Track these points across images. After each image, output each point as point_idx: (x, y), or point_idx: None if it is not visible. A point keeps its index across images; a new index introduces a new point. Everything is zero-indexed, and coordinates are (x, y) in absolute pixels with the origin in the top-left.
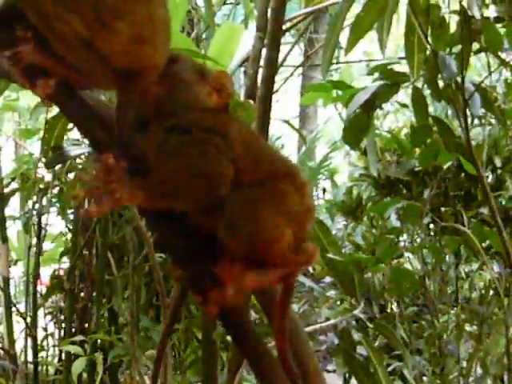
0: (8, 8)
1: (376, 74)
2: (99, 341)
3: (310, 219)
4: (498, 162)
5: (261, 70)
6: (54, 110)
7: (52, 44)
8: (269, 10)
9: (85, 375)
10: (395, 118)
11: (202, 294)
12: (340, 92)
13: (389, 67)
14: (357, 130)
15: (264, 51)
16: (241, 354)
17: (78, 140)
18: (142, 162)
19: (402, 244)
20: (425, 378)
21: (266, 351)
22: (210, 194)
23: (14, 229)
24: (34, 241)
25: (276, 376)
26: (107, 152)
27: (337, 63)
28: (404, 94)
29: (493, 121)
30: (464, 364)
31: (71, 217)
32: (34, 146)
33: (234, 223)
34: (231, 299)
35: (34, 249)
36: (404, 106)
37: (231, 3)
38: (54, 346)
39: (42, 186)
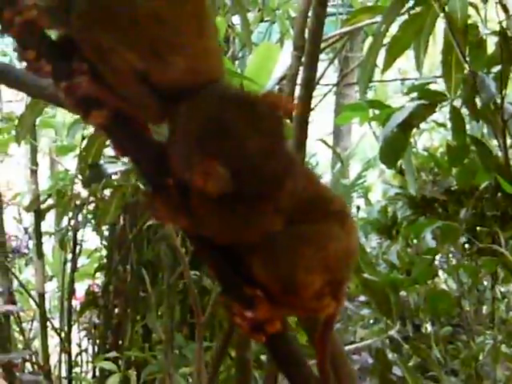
0: (64, 40)
1: (413, 94)
2: (133, 357)
3: (350, 263)
4: None
5: (297, 89)
6: (91, 128)
7: (105, 76)
8: (306, 30)
9: None
10: (429, 136)
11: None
12: (376, 111)
13: (425, 87)
14: (394, 150)
15: (301, 70)
16: (286, 377)
17: (114, 157)
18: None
19: (436, 263)
20: None
21: (309, 373)
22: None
23: (49, 244)
24: (69, 256)
25: None
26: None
27: (371, 82)
28: (438, 112)
29: None
30: None
31: (106, 233)
32: (70, 163)
33: (269, 262)
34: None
35: (68, 264)
36: (441, 125)
37: (267, 21)
38: (87, 361)
39: (77, 203)
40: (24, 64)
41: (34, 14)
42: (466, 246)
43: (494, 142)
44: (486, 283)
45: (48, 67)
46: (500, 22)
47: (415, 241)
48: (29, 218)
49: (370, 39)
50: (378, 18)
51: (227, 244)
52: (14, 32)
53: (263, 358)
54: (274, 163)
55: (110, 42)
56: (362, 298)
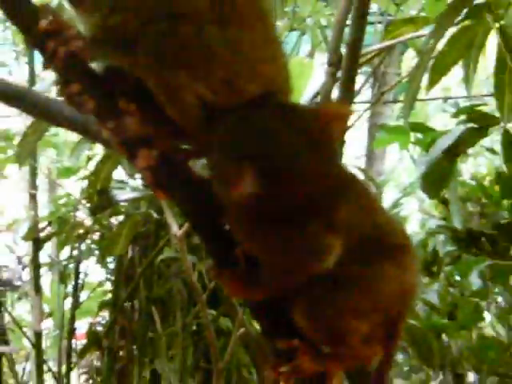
0: (108, 74)
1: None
2: None
3: (407, 301)
4: None
5: None
6: (98, 148)
7: (167, 109)
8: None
9: None
10: (474, 162)
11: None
12: (418, 134)
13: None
14: (438, 178)
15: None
16: None
17: (123, 181)
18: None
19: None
20: None
21: None
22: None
23: (47, 277)
24: (70, 291)
25: None
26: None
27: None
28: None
29: None
30: None
31: (112, 266)
32: (72, 186)
33: (312, 308)
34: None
35: (69, 300)
36: (492, 151)
37: (294, 30)
38: None
39: (81, 231)
40: (64, 98)
41: (79, 45)
42: None
43: None
44: None
45: (91, 103)
46: None
47: (459, 278)
48: (22, 247)
49: (410, 52)
50: (423, 31)
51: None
52: (57, 64)
53: None
54: (319, 175)
55: (182, 79)
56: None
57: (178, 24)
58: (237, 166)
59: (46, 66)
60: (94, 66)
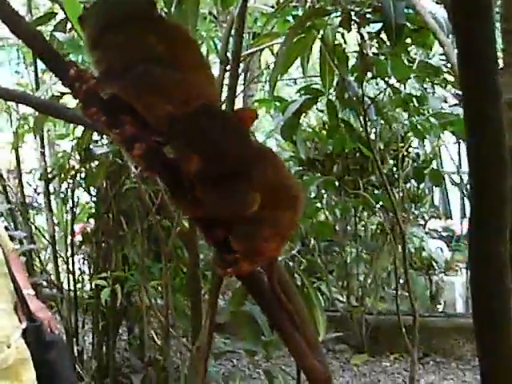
0: (111, 98)
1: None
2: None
3: (294, 226)
4: (381, 145)
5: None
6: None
7: (148, 119)
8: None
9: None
10: (309, 116)
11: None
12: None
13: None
14: (290, 128)
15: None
16: (255, 300)
17: (96, 141)
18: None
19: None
20: (335, 290)
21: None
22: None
23: (54, 201)
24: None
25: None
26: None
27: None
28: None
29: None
30: (361, 279)
31: (93, 192)
32: (63, 144)
33: (241, 237)
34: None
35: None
36: (320, 111)
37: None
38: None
39: (73, 172)
40: (86, 116)
41: (93, 83)
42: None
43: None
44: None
45: (103, 118)
46: (359, 44)
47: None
48: (35, 181)
49: (266, 51)
50: (276, 41)
51: (226, 219)
52: (81, 96)
53: (208, 273)
54: (240, 152)
55: (158, 101)
56: None
57: (148, 67)
58: (188, 153)
59: (74, 97)
60: (104, 95)
